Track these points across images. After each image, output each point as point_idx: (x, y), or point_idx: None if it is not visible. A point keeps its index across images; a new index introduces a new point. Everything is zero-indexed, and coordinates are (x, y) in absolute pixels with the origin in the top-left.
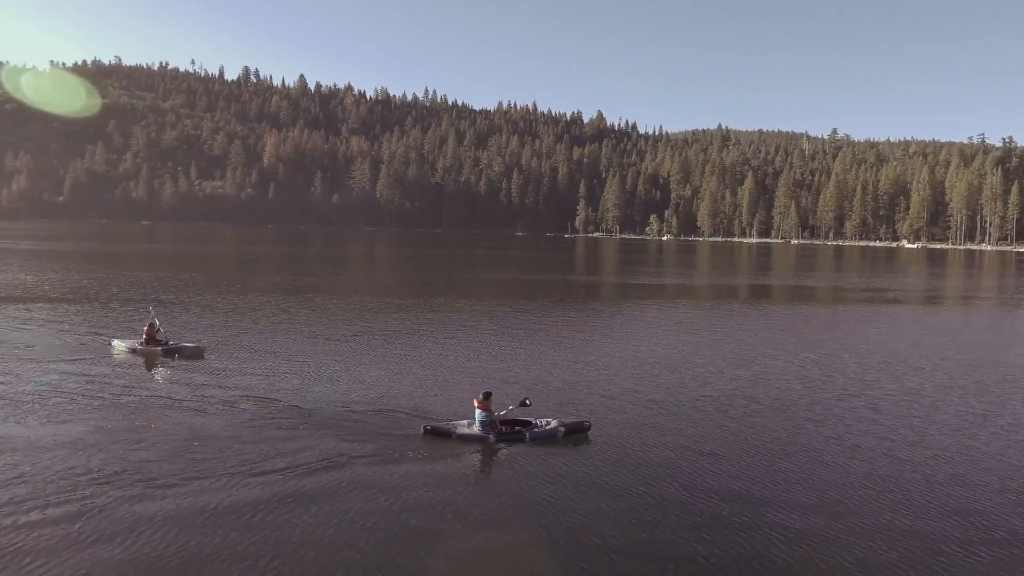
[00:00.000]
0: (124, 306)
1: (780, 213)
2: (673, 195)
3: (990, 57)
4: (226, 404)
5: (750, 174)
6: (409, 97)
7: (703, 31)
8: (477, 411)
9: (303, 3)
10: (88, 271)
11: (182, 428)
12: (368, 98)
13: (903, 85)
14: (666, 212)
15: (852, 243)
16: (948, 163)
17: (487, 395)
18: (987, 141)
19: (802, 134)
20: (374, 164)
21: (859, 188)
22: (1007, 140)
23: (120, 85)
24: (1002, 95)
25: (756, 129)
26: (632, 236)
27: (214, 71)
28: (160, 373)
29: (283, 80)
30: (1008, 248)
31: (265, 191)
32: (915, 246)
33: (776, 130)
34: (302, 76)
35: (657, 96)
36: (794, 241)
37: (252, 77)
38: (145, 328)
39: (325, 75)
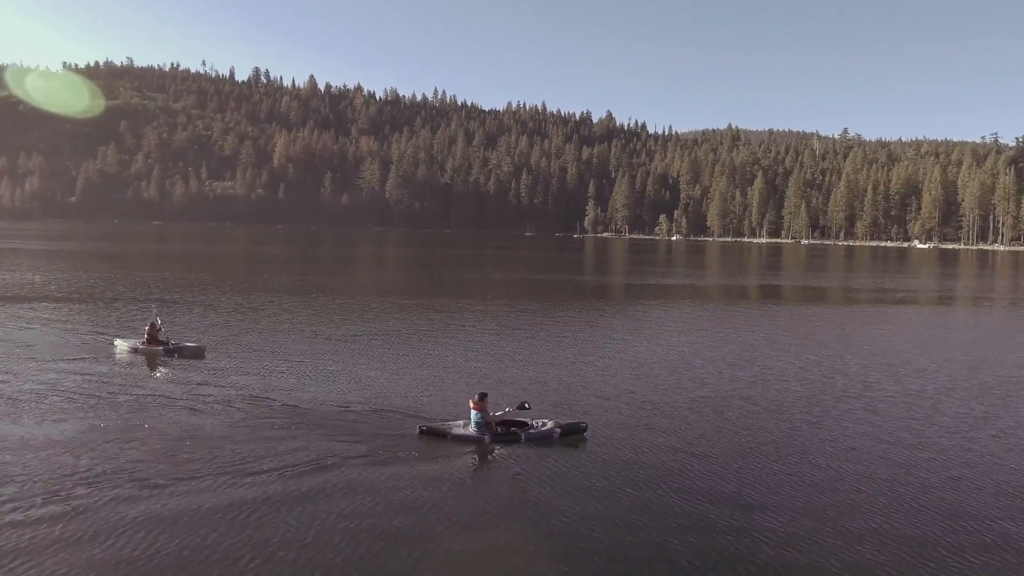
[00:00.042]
0: (128, 306)
1: (790, 213)
2: (683, 195)
3: (1003, 56)
4: (224, 404)
5: (760, 174)
6: (418, 97)
7: (713, 31)
8: (472, 412)
9: (313, 4)
10: (95, 271)
11: (176, 427)
12: (378, 99)
13: (915, 84)
14: (676, 212)
15: (863, 243)
16: (960, 163)
17: (483, 396)
18: (1000, 140)
19: (812, 134)
20: (383, 164)
21: (870, 188)
22: (1020, 139)
23: (132, 86)
24: (1016, 94)
25: (766, 129)
26: (641, 236)
27: (225, 72)
28: (160, 372)
29: (293, 81)
30: (1021, 248)
31: (275, 191)
32: (927, 246)
33: (786, 130)
34: (312, 77)
35: (667, 96)
36: (804, 241)
37: (262, 78)
38: (147, 328)
39: (335, 76)
